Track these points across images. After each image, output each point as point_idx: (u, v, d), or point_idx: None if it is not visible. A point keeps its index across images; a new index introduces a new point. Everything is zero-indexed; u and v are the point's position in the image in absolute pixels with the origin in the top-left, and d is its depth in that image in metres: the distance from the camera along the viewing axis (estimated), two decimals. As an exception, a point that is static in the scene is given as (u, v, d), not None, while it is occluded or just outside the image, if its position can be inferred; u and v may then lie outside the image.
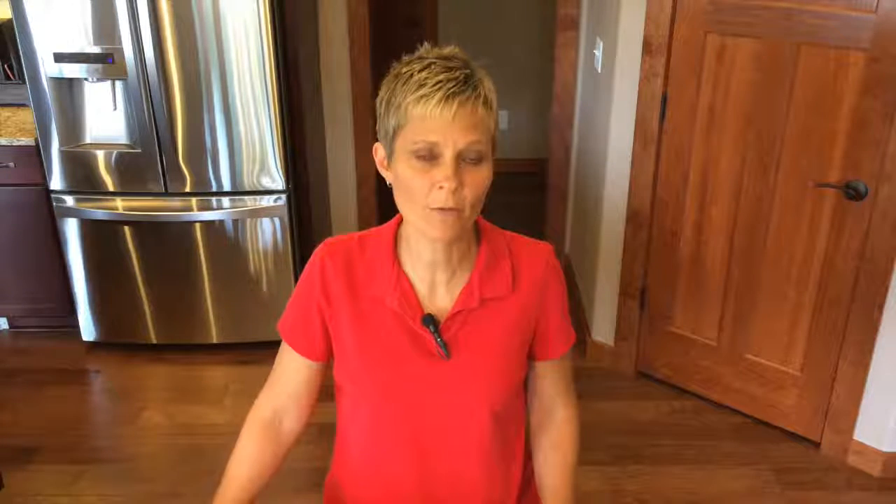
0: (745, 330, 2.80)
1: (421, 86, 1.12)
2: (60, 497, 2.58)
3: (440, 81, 1.12)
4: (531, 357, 1.37)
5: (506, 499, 1.41)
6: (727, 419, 2.92)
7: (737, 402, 2.92)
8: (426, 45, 1.19)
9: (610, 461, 2.70)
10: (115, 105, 2.93)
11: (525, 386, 1.40)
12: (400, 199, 1.20)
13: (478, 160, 1.15)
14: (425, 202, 1.15)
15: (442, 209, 1.14)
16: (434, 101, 1.11)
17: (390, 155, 1.20)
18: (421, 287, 1.28)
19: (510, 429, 1.38)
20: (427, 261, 1.26)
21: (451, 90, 1.11)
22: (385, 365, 1.28)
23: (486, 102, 1.15)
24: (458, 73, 1.13)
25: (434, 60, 1.14)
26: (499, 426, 1.32)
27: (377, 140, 1.23)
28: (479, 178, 1.16)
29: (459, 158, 1.13)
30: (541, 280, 1.32)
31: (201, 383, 3.17)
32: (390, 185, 1.22)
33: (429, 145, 1.13)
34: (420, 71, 1.13)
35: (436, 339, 1.26)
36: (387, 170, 1.22)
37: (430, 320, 1.26)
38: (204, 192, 3.03)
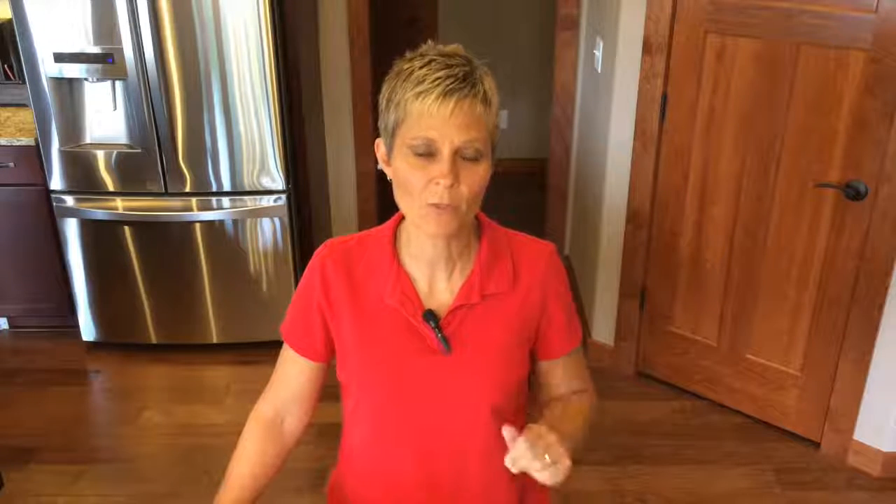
0: (745, 330, 2.80)
1: (420, 82, 1.13)
2: (60, 497, 2.58)
3: (439, 78, 1.12)
4: (537, 356, 1.37)
5: (508, 496, 1.40)
6: (727, 419, 2.92)
7: (737, 402, 2.92)
8: (429, 42, 1.20)
9: (610, 461, 2.70)
10: (115, 105, 2.92)
11: (530, 383, 1.40)
12: (398, 195, 1.21)
13: (476, 158, 1.15)
14: (422, 198, 1.16)
15: (438, 205, 1.15)
16: (432, 98, 1.12)
17: (390, 151, 1.20)
18: (421, 283, 1.28)
19: (512, 426, 1.37)
20: (427, 257, 1.27)
21: (450, 87, 1.12)
22: (386, 362, 1.29)
23: (486, 100, 1.15)
24: (457, 70, 1.13)
25: (435, 57, 1.15)
26: (500, 423, 1.32)
27: (378, 137, 1.24)
28: (477, 176, 1.16)
29: (457, 155, 1.14)
30: (542, 279, 1.32)
31: (201, 383, 3.17)
32: (391, 180, 1.23)
33: (426, 141, 1.13)
34: (420, 67, 1.14)
35: (437, 335, 1.26)
36: (388, 165, 1.23)
37: (430, 316, 1.26)
38: (204, 192, 3.03)
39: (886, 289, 2.45)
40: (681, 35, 2.62)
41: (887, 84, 2.27)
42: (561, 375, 1.40)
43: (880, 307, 2.48)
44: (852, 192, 2.41)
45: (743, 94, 2.55)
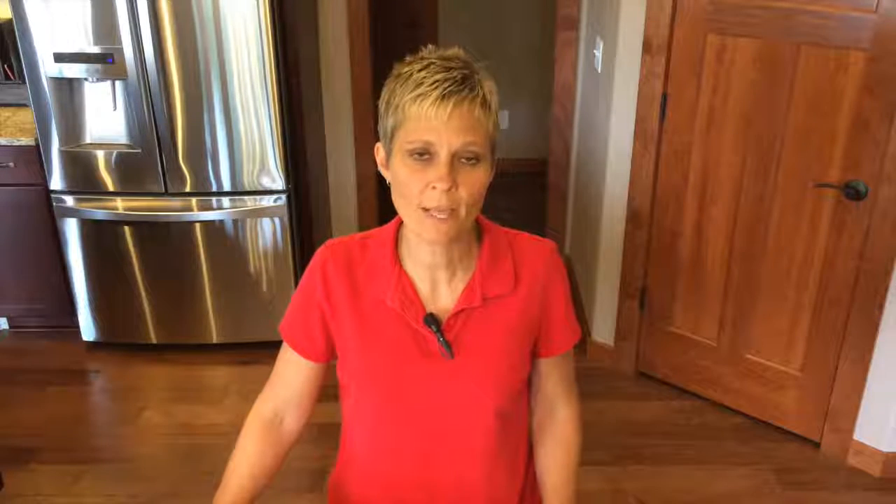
0: (745, 330, 2.80)
1: (418, 85, 1.12)
2: (60, 497, 2.58)
3: (437, 81, 1.11)
4: (534, 354, 1.37)
5: (509, 499, 1.40)
6: (727, 419, 2.92)
7: (737, 402, 2.92)
8: (429, 46, 1.19)
9: (610, 461, 2.70)
10: (115, 105, 2.93)
11: (528, 384, 1.40)
12: (396, 199, 1.20)
13: (474, 161, 1.15)
14: (419, 202, 1.15)
15: (435, 210, 1.14)
16: (430, 101, 1.11)
17: (389, 154, 1.20)
18: (423, 286, 1.28)
19: (514, 429, 1.37)
20: (427, 262, 1.26)
21: (448, 90, 1.11)
22: (387, 365, 1.28)
23: (485, 103, 1.14)
24: (455, 73, 1.12)
25: (433, 60, 1.14)
26: (502, 426, 1.32)
27: (378, 140, 1.23)
28: (475, 180, 1.16)
29: (455, 159, 1.13)
30: (542, 278, 1.31)
31: (201, 383, 3.17)
32: (390, 184, 1.22)
33: (424, 145, 1.13)
34: (419, 71, 1.14)
35: (438, 339, 1.26)
36: (387, 170, 1.22)
37: (432, 320, 1.26)
38: (204, 192, 3.03)
39: (886, 289, 2.45)
40: (681, 35, 2.62)
41: (887, 84, 2.27)
42: (555, 375, 1.40)
43: (880, 307, 2.48)
44: (852, 192, 2.41)
45: (743, 94, 2.55)
